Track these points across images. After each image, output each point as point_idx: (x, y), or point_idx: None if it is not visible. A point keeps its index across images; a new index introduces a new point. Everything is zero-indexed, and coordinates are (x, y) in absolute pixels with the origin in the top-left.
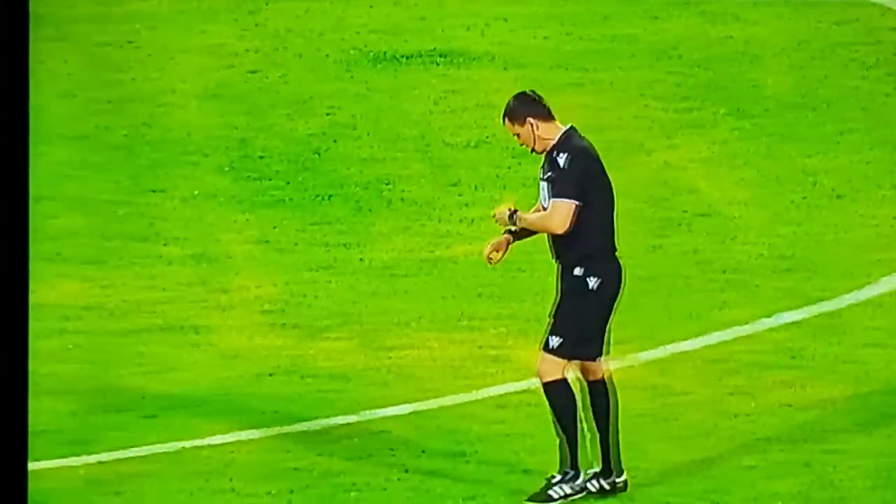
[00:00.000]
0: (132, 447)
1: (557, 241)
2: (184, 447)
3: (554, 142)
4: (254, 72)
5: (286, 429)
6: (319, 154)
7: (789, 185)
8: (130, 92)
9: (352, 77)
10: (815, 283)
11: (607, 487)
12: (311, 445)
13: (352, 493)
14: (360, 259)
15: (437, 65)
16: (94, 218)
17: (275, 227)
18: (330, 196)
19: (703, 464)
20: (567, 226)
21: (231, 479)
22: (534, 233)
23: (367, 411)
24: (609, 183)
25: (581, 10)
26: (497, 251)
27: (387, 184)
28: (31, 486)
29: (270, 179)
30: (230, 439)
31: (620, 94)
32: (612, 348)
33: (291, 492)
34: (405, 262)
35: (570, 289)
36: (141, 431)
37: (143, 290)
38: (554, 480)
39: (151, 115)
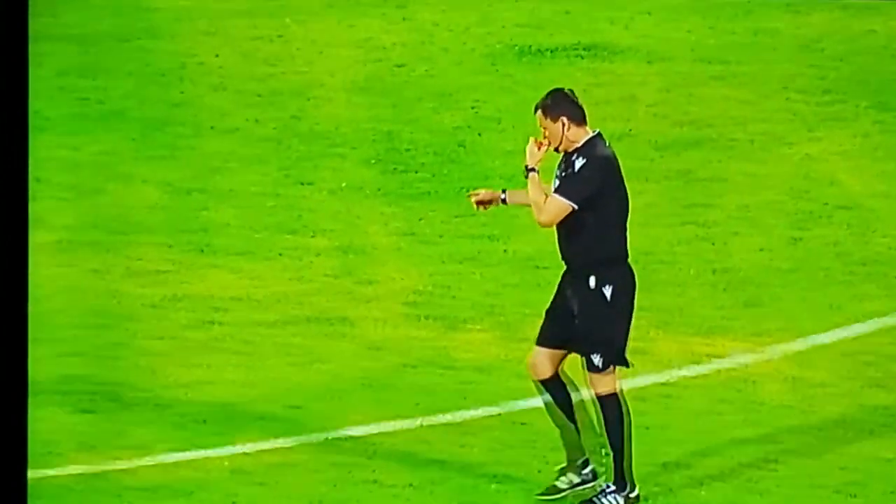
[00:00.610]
0: (278, 437)
1: (566, 245)
2: (327, 438)
3: (578, 145)
4: (401, 65)
5: (428, 420)
6: (464, 146)
7: None
8: (280, 85)
9: (497, 70)
10: None
11: (622, 502)
12: (453, 437)
13: (492, 486)
14: (504, 251)
15: (582, 58)
16: (244, 210)
17: (420, 219)
18: (475, 188)
19: (842, 456)
20: (553, 223)
21: (374, 471)
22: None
23: (508, 403)
24: (625, 192)
25: (724, 4)
26: (490, 199)
27: None
28: (179, 474)
29: (416, 172)
30: (373, 430)
31: (762, 87)
32: (750, 339)
33: (433, 483)
34: (548, 253)
35: (589, 304)
36: (286, 422)
37: (290, 281)
38: (609, 490)
39: (300, 108)
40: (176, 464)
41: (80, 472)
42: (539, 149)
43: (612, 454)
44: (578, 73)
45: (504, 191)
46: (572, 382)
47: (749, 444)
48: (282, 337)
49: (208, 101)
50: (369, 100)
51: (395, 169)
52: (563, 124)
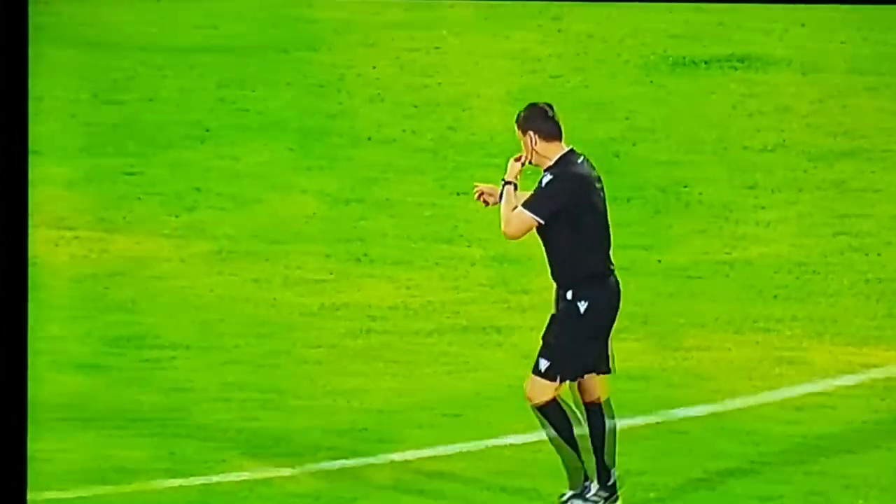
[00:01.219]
0: (436, 445)
1: (551, 264)
2: (486, 446)
3: (551, 162)
4: (556, 76)
5: (578, 430)
6: (619, 157)
7: None
8: (436, 96)
9: (651, 81)
10: None
11: (606, 494)
12: None
13: (650, 494)
14: (658, 261)
15: (735, 69)
16: (401, 220)
17: None
18: (629, 199)
19: None
20: (518, 236)
21: (533, 479)
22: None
23: (663, 411)
24: (600, 207)
25: (878, 16)
26: (491, 195)
27: (684, 186)
28: (340, 482)
29: None
30: (531, 439)
31: None
32: (887, 355)
33: None
34: (701, 263)
35: (562, 312)
36: (445, 430)
37: (446, 290)
38: (564, 498)
39: (456, 118)
40: (337, 471)
41: (242, 478)
42: (518, 163)
43: (592, 456)
44: (732, 84)
45: (504, 186)
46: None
47: None
48: (437, 346)
49: (366, 112)
50: None
51: None
52: (531, 138)
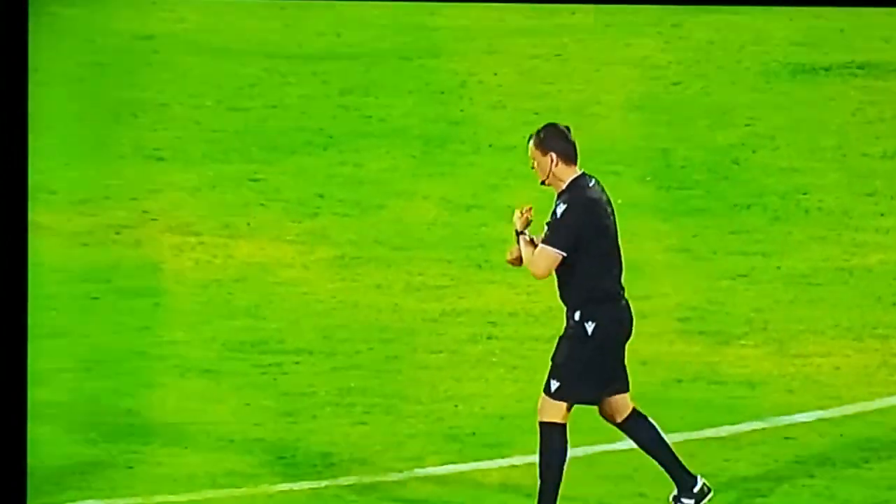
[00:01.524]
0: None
1: (560, 286)
2: (596, 451)
3: (564, 186)
4: (676, 83)
5: (693, 435)
6: (738, 164)
7: None
8: (557, 103)
9: (771, 88)
10: None
11: (692, 501)
12: (718, 451)
13: (756, 500)
14: (777, 267)
15: (856, 76)
16: None
17: (694, 236)
18: (748, 205)
19: None
20: (547, 273)
21: (639, 485)
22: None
23: (775, 418)
24: (611, 230)
25: None
26: (516, 258)
27: (804, 193)
28: (451, 486)
29: (691, 189)
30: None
31: None
32: None
33: None
34: (821, 270)
35: (571, 333)
36: None
37: None
38: None
39: (577, 125)
40: (448, 476)
41: (350, 482)
42: (524, 215)
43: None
44: (852, 91)
45: (518, 237)
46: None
47: None
48: None
49: (487, 119)
50: (645, 117)
51: (669, 186)
52: (552, 160)
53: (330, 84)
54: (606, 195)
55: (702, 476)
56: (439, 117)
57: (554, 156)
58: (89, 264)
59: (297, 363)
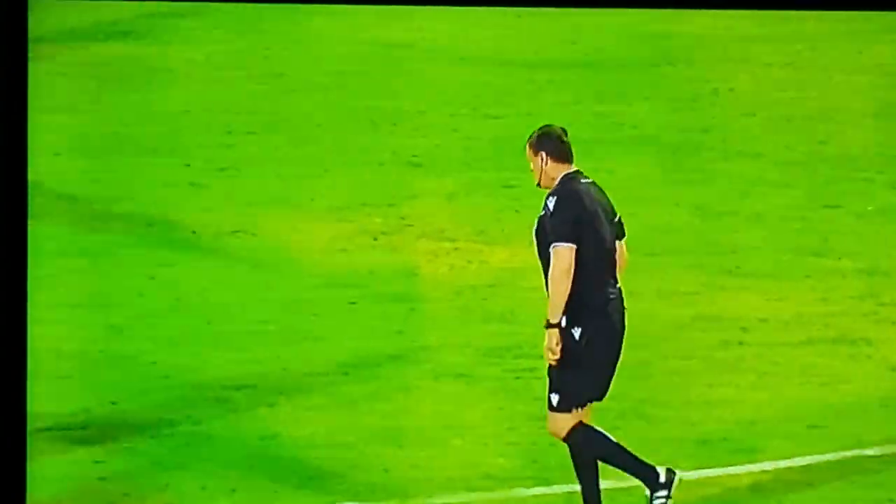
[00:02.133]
0: (794, 457)
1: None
2: (845, 456)
3: (556, 183)
4: None
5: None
6: None
7: None
8: (805, 110)
9: None
10: None
11: (665, 492)
12: None
13: None
14: None
15: None
16: (771, 232)
17: None
18: None
19: None
20: (570, 270)
21: (890, 490)
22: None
23: None
24: (601, 232)
25: None
26: (554, 355)
27: None
28: (700, 490)
29: None
30: (889, 451)
31: None
32: None
33: None
34: None
35: (563, 342)
36: (804, 441)
37: (815, 302)
38: None
39: (828, 133)
40: (699, 481)
41: (607, 486)
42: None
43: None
44: None
45: (548, 329)
46: None
47: None
48: (806, 357)
49: (737, 126)
50: (885, 125)
51: None
52: (543, 159)
53: (582, 92)
54: (606, 200)
55: None
56: (691, 125)
57: (544, 154)
58: (348, 270)
59: None
